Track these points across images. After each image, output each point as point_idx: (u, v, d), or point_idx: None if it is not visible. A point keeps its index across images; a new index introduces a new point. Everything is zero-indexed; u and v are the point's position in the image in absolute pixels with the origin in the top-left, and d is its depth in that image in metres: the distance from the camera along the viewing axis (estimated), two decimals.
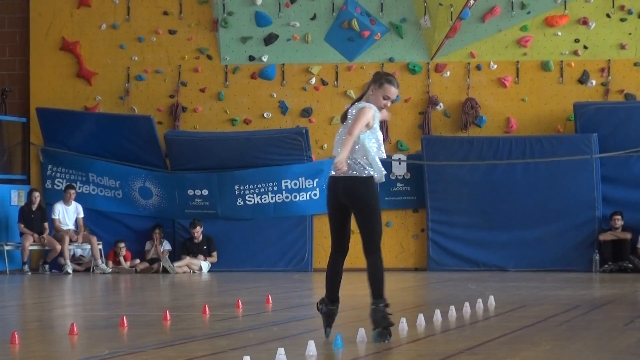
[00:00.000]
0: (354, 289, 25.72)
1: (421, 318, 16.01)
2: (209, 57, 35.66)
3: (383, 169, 13.26)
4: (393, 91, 13.30)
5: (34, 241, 34.03)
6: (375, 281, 13.13)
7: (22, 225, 34.07)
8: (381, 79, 13.31)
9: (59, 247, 33.79)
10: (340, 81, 35.07)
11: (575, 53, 34.00)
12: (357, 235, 29.15)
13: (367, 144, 13.11)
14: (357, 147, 13.08)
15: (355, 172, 13.19)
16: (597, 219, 33.08)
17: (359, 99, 13.45)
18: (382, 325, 13.13)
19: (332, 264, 13.59)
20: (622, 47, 33.74)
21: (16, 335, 14.10)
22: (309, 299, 24.00)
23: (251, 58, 35.47)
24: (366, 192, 13.28)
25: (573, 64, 34.11)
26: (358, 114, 12.99)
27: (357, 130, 12.93)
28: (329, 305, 13.51)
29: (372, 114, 13.07)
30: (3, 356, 13.76)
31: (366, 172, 13.13)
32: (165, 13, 36.10)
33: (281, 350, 11.50)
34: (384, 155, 13.37)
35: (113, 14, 35.86)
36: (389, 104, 13.47)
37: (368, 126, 13.02)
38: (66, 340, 15.31)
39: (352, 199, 13.35)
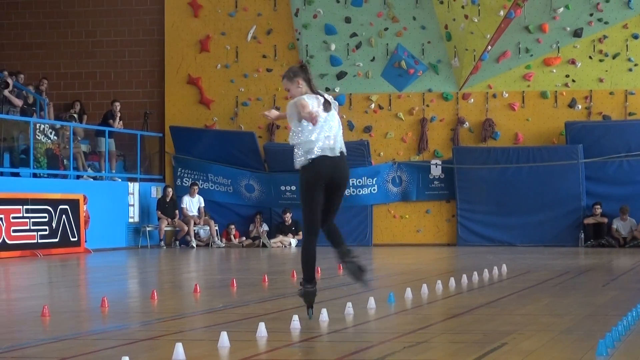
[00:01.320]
0: (401, 259, 28.25)
1: (452, 280, 17.57)
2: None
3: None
4: (284, 83, 12.94)
5: (168, 224, 36.30)
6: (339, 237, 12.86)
7: (159, 212, 36.38)
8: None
9: (186, 228, 36.09)
10: (393, 106, 36.91)
11: (566, 85, 35.94)
12: (413, 215, 31.75)
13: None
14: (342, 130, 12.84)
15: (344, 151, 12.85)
16: (582, 207, 35.25)
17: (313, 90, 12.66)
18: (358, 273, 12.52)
19: (312, 247, 12.83)
20: (601, 80, 35.62)
21: (155, 293, 15.78)
22: (370, 267, 23.73)
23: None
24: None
25: (564, 93, 36.09)
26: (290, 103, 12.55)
27: None
28: (314, 286, 12.61)
29: None
30: (146, 307, 15.60)
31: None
32: (264, 56, 37.65)
33: (349, 304, 13.06)
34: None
35: (225, 57, 37.49)
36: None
37: None
38: (191, 296, 16.99)
39: (346, 176, 13.10)
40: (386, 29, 37.05)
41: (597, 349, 9.54)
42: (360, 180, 36.93)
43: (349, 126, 37.19)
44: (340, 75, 37.43)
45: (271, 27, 37.88)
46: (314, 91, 12.63)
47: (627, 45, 35.94)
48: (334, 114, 12.71)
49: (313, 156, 12.40)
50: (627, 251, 32.27)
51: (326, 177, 12.55)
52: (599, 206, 35.02)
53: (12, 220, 29.59)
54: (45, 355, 10.03)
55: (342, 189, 13.09)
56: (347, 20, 37.21)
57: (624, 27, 35.84)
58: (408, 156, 37.09)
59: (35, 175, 33.00)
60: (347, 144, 35.34)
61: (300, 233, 34.35)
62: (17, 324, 13.42)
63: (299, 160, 12.50)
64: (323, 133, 12.47)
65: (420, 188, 36.81)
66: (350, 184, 36.25)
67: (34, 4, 38.90)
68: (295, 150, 12.56)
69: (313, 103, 12.37)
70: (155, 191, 37.44)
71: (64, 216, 31.63)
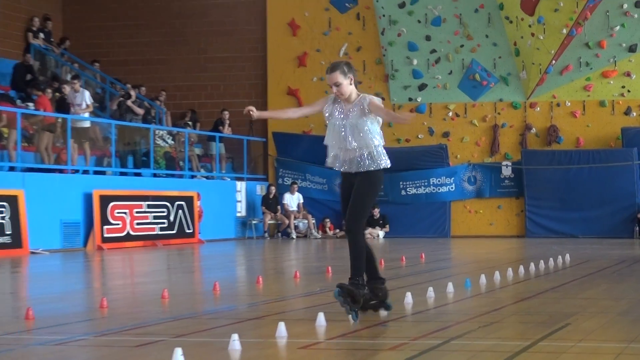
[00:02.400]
0: (475, 249, 28.08)
1: (521, 268, 17.55)
2: (383, 99, 37.95)
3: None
4: (328, 78, 10.91)
5: (271, 218, 36.28)
6: None
7: (264, 207, 36.38)
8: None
9: (286, 221, 36.26)
10: (468, 114, 36.76)
11: (622, 95, 35.50)
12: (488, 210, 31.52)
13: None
14: (361, 134, 10.73)
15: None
16: (637, 204, 34.78)
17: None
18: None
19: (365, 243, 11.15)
20: None
21: (260, 278, 15.94)
22: (449, 256, 25.37)
23: (410, 99, 36.88)
24: None
25: (620, 102, 35.66)
26: (379, 105, 10.98)
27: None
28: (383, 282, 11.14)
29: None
30: (252, 291, 15.71)
31: None
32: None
33: (430, 289, 13.09)
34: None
35: (320, 71, 35.09)
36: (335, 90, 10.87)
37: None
38: (292, 281, 16.94)
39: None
40: (462, 45, 36.89)
41: None
42: (440, 179, 36.87)
43: (429, 132, 37.35)
44: (422, 87, 37.26)
45: (360, 44, 37.78)
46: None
47: None
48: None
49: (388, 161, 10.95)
50: None
51: None
52: None
53: (135, 214, 29.92)
54: (165, 332, 10.13)
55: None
56: (427, 38, 37.08)
57: None
58: (482, 158, 37.01)
59: (155, 175, 33.36)
60: (428, 147, 35.38)
61: (387, 227, 36.10)
62: (141, 304, 13.65)
63: (385, 161, 10.88)
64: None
65: (493, 186, 36.73)
66: (431, 183, 36.76)
67: (155, 25, 39.18)
68: (379, 149, 10.85)
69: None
70: (259, 189, 37.61)
71: (180, 211, 31.91)
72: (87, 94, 29.63)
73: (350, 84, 10.85)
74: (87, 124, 28.68)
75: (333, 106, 11.01)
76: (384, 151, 10.92)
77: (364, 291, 10.63)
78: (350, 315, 10.39)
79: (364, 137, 10.75)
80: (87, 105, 29.31)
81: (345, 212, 10.92)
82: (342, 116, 10.91)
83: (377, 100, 10.99)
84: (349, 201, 10.88)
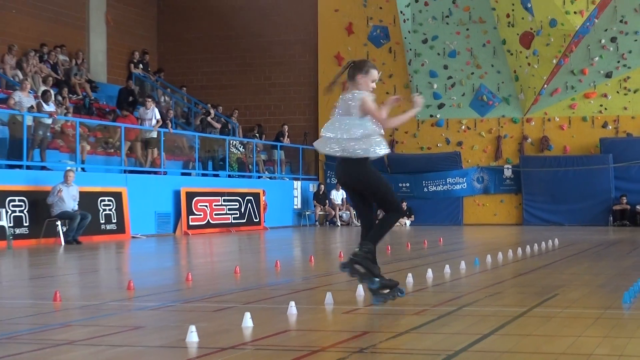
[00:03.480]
0: (483, 234, 27.93)
1: (519, 249, 17.47)
2: None
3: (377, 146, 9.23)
4: (376, 74, 9.30)
5: (321, 210, 36.18)
6: None
7: (315, 201, 36.25)
8: (366, 66, 9.38)
9: (333, 212, 36.02)
10: (477, 127, 36.52)
11: (600, 112, 35.12)
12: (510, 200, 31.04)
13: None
14: (360, 130, 9.13)
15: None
16: (611, 198, 34.37)
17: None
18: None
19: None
20: (625, 108, 34.89)
21: (312, 257, 16.07)
22: (461, 240, 25.07)
23: (431, 115, 36.50)
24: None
25: (599, 118, 35.21)
26: (367, 103, 9.13)
27: (383, 113, 9.17)
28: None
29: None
30: (306, 267, 15.46)
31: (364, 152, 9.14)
32: (387, 93, 35.40)
33: (447, 266, 13.29)
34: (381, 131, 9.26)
35: None
36: (375, 86, 9.31)
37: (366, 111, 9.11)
38: (337, 260, 16.09)
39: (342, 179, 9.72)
40: (472, 73, 36.66)
41: (623, 298, 9.49)
42: (454, 179, 36.65)
43: (446, 141, 37.14)
44: (440, 106, 37.06)
45: (392, 72, 37.48)
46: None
47: None
48: None
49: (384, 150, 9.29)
50: None
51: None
52: (624, 197, 34.30)
53: (214, 207, 30.04)
54: (237, 300, 10.09)
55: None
56: (445, 67, 36.87)
57: None
58: (488, 162, 36.76)
59: (229, 176, 33.26)
60: (444, 155, 35.24)
61: (412, 217, 35.67)
62: (218, 278, 13.60)
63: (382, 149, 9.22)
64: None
65: (497, 185, 36.62)
66: (447, 182, 36.50)
67: (229, 58, 39.17)
68: (370, 139, 9.13)
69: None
70: (312, 187, 37.45)
71: (249, 204, 32.04)
72: (156, 111, 29.48)
73: (372, 83, 9.46)
74: (154, 135, 28.63)
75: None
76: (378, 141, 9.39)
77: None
78: (396, 295, 9.24)
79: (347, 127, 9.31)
80: (157, 121, 29.09)
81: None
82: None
83: (365, 105, 9.30)
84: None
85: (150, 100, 29.84)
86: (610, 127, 35.71)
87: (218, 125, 34.86)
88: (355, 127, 9.21)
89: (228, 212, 30.99)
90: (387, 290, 9.20)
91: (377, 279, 9.09)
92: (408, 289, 11.05)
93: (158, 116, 29.14)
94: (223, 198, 30.91)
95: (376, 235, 9.37)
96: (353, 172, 9.38)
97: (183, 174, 31.11)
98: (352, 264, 9.08)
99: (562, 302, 9.76)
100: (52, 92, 27.42)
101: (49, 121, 25.14)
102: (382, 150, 9.23)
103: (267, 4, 38.72)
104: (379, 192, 9.42)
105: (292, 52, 38.55)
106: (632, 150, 34.92)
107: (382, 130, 9.31)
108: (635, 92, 35.31)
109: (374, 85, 9.31)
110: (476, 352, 6.65)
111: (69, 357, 6.56)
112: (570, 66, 35.28)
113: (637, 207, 34.16)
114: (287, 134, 37.46)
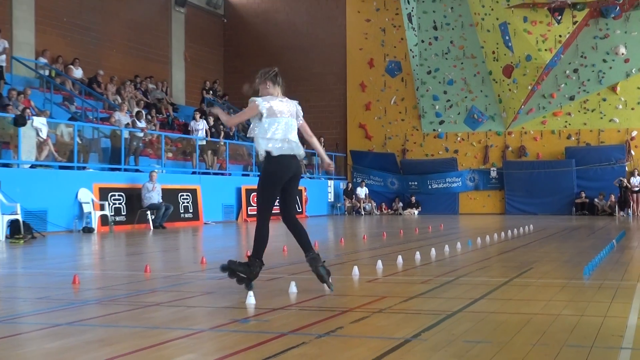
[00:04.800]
0: (474, 222, 27.66)
1: (502, 233, 17.60)
2: (417, 129, 36.60)
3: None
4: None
5: (349, 202, 35.79)
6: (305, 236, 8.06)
7: (344, 196, 36.10)
8: (266, 75, 8.30)
9: (358, 204, 35.42)
10: (470, 139, 36.02)
11: (565, 127, 34.69)
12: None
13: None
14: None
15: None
16: (574, 193, 33.93)
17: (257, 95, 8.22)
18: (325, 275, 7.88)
19: (268, 230, 8.17)
20: (585, 124, 34.39)
21: (342, 239, 16.50)
22: (457, 226, 24.57)
23: (434, 129, 36.25)
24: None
25: (564, 131, 34.74)
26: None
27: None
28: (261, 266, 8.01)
29: None
30: (337, 247, 15.12)
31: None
32: (400, 112, 37.01)
33: (447, 246, 13.23)
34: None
35: (379, 112, 36.92)
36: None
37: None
38: (361, 241, 16.64)
39: (300, 173, 8.29)
40: (466, 97, 36.29)
41: (583, 271, 9.52)
42: (452, 179, 36.36)
43: (445, 150, 36.70)
44: (441, 122, 36.78)
45: (403, 96, 37.28)
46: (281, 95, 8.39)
47: (599, 105, 34.70)
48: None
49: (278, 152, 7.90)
50: (600, 218, 30.87)
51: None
52: (584, 193, 34.05)
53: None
54: (284, 272, 10.14)
55: (296, 182, 8.26)
56: (445, 92, 36.55)
57: (598, 94, 34.58)
58: (478, 166, 36.43)
59: None
60: (444, 159, 35.33)
61: (420, 207, 35.43)
62: (270, 255, 13.13)
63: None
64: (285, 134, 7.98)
65: (485, 183, 36.34)
66: (446, 181, 36.26)
67: None
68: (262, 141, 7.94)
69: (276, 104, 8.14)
70: (342, 185, 37.15)
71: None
72: (203, 123, 29.15)
73: (267, 88, 8.43)
74: (204, 142, 28.34)
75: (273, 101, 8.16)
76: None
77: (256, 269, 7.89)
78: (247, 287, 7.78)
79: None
80: (206, 131, 28.88)
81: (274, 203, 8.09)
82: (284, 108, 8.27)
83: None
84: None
85: (198, 114, 29.66)
86: (573, 138, 35.21)
87: None
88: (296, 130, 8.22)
89: (277, 204, 30.61)
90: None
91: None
92: (416, 263, 11.03)
93: (206, 126, 29.10)
94: None
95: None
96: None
97: (243, 174, 30.93)
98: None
99: (536, 274, 9.72)
100: (143, 112, 27.79)
101: (141, 134, 25.41)
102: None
103: (308, 45, 38.42)
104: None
105: (326, 81, 38.30)
106: (590, 156, 34.56)
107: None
108: (592, 111, 34.80)
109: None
110: (469, 312, 6.68)
111: (156, 315, 6.62)
112: (542, 91, 34.96)
113: (594, 200, 33.70)
114: (322, 144, 37.06)
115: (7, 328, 5.92)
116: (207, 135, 28.93)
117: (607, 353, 4.92)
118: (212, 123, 30.30)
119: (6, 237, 17.25)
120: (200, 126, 28.99)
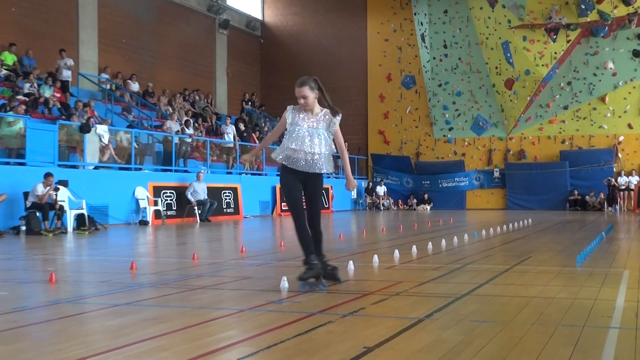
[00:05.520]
0: (480, 216, 27.40)
1: (504, 226, 17.62)
2: (429, 135, 36.38)
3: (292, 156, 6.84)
4: (297, 91, 6.87)
5: (369, 199, 35.60)
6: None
7: (365, 193, 35.78)
8: (297, 83, 6.99)
9: (377, 201, 35.51)
10: (476, 143, 35.74)
11: (560, 133, 34.28)
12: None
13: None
14: (323, 142, 6.94)
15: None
16: (568, 191, 33.57)
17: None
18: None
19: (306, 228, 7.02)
20: (577, 130, 33.98)
21: (364, 231, 16.28)
22: (464, 219, 24.33)
23: (444, 135, 36.01)
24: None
25: (559, 137, 34.36)
26: (340, 137, 7.23)
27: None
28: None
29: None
30: (360, 237, 14.90)
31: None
32: (414, 120, 36.66)
33: (455, 237, 13.21)
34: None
35: (396, 120, 36.63)
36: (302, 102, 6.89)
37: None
38: (380, 233, 16.62)
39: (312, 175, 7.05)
40: (472, 107, 36.09)
41: (576, 259, 9.43)
42: (460, 178, 36.10)
43: (454, 153, 36.49)
44: (450, 129, 36.55)
45: (417, 106, 37.12)
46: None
47: (590, 113, 34.39)
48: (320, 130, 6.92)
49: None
50: (590, 213, 30.40)
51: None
52: (576, 190, 33.72)
53: None
54: (340, 255, 9.94)
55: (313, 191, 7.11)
56: (454, 102, 36.35)
57: (588, 104, 34.29)
58: (483, 167, 36.24)
59: None
60: (453, 161, 35.12)
61: (431, 204, 35.18)
62: (298, 246, 13.44)
63: (331, 166, 7.11)
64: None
65: (489, 182, 36.17)
66: (455, 180, 36.08)
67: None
68: (330, 157, 7.09)
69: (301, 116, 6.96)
70: (364, 184, 36.85)
71: (322, 195, 31.66)
72: (232, 127, 28.87)
73: (315, 98, 6.97)
74: (231, 145, 28.15)
75: (297, 115, 6.93)
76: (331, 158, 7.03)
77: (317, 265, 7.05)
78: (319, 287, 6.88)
79: (325, 144, 6.92)
80: (234, 136, 28.56)
81: (299, 202, 7.00)
82: (306, 125, 6.87)
83: (339, 132, 7.19)
84: (300, 195, 7.01)
85: (228, 118, 29.65)
86: (567, 143, 34.87)
87: None
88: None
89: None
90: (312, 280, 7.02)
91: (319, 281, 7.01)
92: (428, 252, 10.94)
93: (234, 131, 28.94)
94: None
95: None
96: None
97: (277, 175, 30.54)
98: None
99: (534, 262, 9.64)
100: (191, 120, 27.99)
101: (189, 140, 25.43)
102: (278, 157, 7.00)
103: (333, 61, 38.36)
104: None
105: (350, 93, 38.07)
106: (582, 158, 34.25)
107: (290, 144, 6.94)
108: (584, 119, 34.45)
109: (300, 101, 6.97)
110: (475, 295, 6.62)
111: (202, 297, 6.62)
112: (539, 101, 34.76)
113: (586, 197, 33.41)
114: (347, 148, 37.05)
115: (74, 307, 5.98)
116: (234, 139, 28.65)
117: (597, 332, 4.89)
118: (243, 128, 30.24)
119: (73, 229, 17.47)
120: (229, 130, 28.79)
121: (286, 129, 6.98)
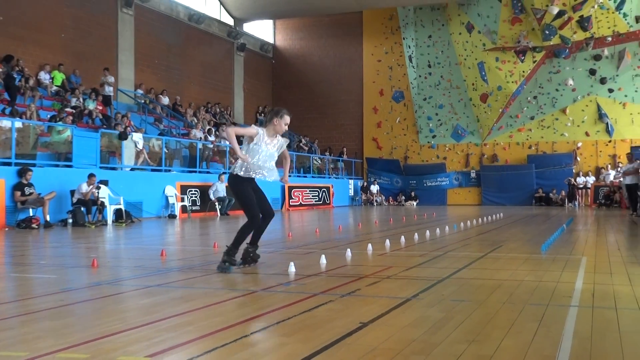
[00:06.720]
0: (458, 211, 27.52)
1: (480, 220, 17.74)
2: (415, 142, 35.92)
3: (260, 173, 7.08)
4: (288, 119, 7.25)
5: (364, 196, 35.10)
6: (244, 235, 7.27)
7: (361, 191, 35.33)
8: (281, 112, 7.24)
9: (371, 197, 34.98)
10: (455, 149, 35.41)
11: (527, 139, 33.97)
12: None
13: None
14: (274, 160, 7.25)
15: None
16: (534, 189, 33.29)
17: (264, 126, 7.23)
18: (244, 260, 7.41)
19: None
20: (542, 137, 33.69)
21: (360, 224, 16.11)
22: (446, 214, 23.94)
23: (428, 142, 35.58)
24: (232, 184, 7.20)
25: (526, 142, 34.06)
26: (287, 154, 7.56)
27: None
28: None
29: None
30: (356, 229, 14.58)
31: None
32: (402, 129, 36.28)
33: (438, 229, 13.39)
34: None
35: (388, 129, 36.36)
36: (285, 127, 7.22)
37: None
38: (374, 225, 16.48)
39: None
40: (452, 117, 35.92)
41: (541, 247, 9.38)
42: (442, 179, 35.86)
43: (437, 157, 36.24)
44: (434, 136, 36.34)
45: (405, 117, 36.90)
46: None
47: (553, 123, 34.18)
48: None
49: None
50: (553, 208, 30.23)
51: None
52: (541, 189, 33.54)
53: (304, 194, 29.83)
54: (316, 248, 9.92)
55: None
56: (436, 114, 36.19)
57: (552, 115, 34.05)
58: (461, 169, 36.13)
59: (312, 177, 32.75)
60: (436, 164, 34.81)
61: (417, 200, 34.96)
62: (305, 235, 13.25)
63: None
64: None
65: (466, 182, 36.04)
66: (437, 180, 35.78)
67: (312, 109, 38.62)
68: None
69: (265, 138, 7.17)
70: (360, 183, 36.63)
71: (324, 193, 31.54)
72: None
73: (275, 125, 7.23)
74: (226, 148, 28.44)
75: (264, 138, 7.08)
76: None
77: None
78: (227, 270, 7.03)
79: (273, 161, 7.19)
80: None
81: (258, 204, 7.29)
82: (269, 146, 7.11)
83: (286, 150, 7.54)
84: (257, 197, 7.34)
85: (224, 126, 29.86)
86: (533, 148, 34.64)
87: (306, 148, 34.64)
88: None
89: (312, 197, 30.62)
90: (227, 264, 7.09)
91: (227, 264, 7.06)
92: (414, 242, 10.84)
93: None
94: (309, 189, 30.50)
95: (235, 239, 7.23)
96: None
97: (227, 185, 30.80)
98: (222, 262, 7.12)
99: (505, 249, 9.58)
100: (213, 129, 27.90)
101: (211, 146, 25.37)
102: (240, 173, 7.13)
103: (334, 79, 38.24)
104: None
105: (348, 105, 38.01)
106: (546, 161, 33.91)
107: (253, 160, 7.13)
108: (548, 127, 34.25)
109: (285, 127, 7.27)
110: (455, 278, 6.57)
111: (221, 279, 6.57)
112: (510, 113, 34.55)
113: (549, 194, 33.12)
114: (345, 153, 37.00)
115: (112, 289, 5.97)
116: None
117: (559, 310, 4.86)
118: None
119: (112, 222, 17.47)
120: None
121: (247, 142, 7.11)
